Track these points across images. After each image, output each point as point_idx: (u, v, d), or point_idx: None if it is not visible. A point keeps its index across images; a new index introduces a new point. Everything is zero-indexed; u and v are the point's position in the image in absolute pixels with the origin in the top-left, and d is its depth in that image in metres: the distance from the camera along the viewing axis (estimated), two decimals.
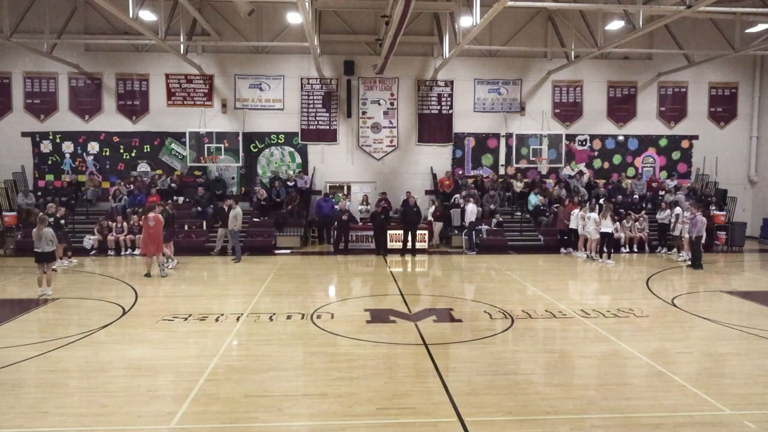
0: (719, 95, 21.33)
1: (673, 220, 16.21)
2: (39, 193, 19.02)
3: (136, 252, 16.15)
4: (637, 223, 17.67)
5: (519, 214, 19.10)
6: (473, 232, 17.03)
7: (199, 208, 18.25)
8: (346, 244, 17.33)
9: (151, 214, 12.82)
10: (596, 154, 21.17)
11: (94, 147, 19.91)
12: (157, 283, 12.29)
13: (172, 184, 19.22)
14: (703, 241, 14.57)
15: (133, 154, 20.06)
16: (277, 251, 17.22)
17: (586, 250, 16.00)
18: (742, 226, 18.80)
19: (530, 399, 6.00)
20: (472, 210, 16.88)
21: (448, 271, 14.57)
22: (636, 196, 19.24)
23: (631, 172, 21.01)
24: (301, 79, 20.23)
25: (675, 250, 16.60)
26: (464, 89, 20.66)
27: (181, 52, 18.23)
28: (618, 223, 17.07)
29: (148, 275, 12.74)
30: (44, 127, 19.76)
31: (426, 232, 17.50)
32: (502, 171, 20.94)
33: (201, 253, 16.40)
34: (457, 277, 13.78)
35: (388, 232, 17.31)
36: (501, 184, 20.09)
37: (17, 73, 19.65)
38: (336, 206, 18.09)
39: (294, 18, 18.10)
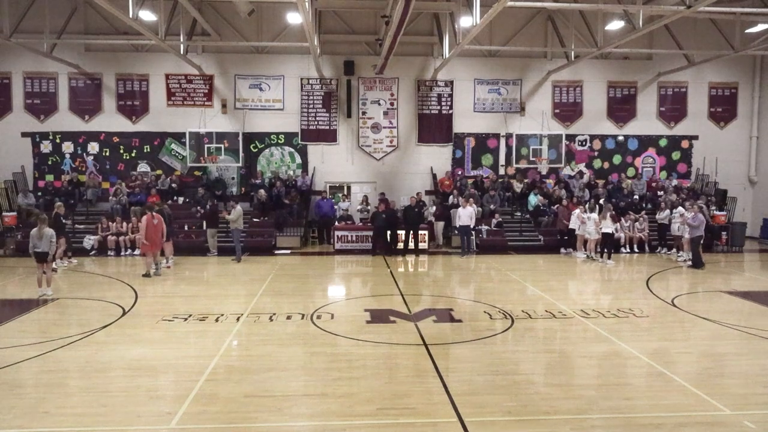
0: (719, 95, 21.33)
1: (678, 221, 15.99)
2: (39, 193, 19.01)
3: (136, 252, 16.17)
4: (637, 223, 17.67)
5: (519, 214, 19.10)
6: (468, 235, 16.59)
7: (199, 208, 18.22)
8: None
9: (155, 212, 13.20)
10: (596, 154, 21.18)
11: (94, 147, 19.91)
12: (157, 283, 12.30)
13: (173, 184, 19.22)
14: (701, 240, 14.55)
15: (133, 154, 20.06)
16: (277, 251, 17.22)
17: (585, 250, 16.01)
18: (742, 226, 18.80)
19: (530, 399, 6.00)
20: (464, 213, 16.43)
21: (448, 272, 14.56)
22: (636, 196, 19.24)
23: (631, 172, 21.02)
24: (301, 79, 20.23)
25: (675, 250, 16.59)
26: (464, 89, 20.66)
27: (181, 52, 18.22)
28: (618, 223, 17.08)
29: (147, 275, 12.75)
30: (44, 127, 19.76)
31: (426, 232, 17.48)
32: (502, 171, 20.93)
33: (201, 253, 16.39)
34: (457, 278, 13.78)
35: (389, 232, 17.32)
36: (501, 185, 20.09)
37: (17, 73, 19.65)
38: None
39: (294, 18, 18.10)
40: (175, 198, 18.87)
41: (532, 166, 20.85)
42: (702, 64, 19.75)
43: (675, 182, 20.17)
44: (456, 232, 17.57)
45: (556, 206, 18.15)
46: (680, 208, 16.07)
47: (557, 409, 5.74)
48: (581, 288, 12.58)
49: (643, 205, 19.04)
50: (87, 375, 6.70)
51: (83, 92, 19.82)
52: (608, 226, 15.39)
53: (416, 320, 9.20)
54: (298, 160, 20.52)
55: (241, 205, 16.30)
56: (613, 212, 15.90)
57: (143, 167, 20.06)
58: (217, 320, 9.17)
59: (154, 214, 13.12)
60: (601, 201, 17.72)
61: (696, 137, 21.28)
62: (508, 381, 6.51)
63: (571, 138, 20.95)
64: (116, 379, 6.57)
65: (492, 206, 18.79)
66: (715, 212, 18.07)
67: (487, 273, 14.19)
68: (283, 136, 20.39)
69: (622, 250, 17.25)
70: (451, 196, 18.75)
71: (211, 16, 19.36)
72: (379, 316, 9.45)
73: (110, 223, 16.81)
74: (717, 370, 7.05)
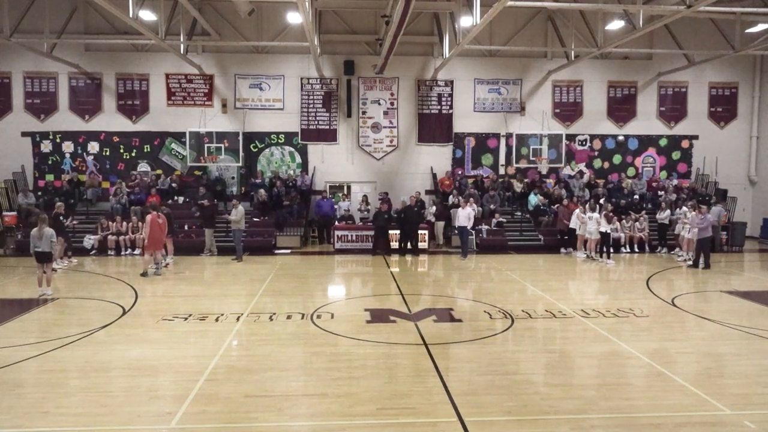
0: (719, 95, 21.33)
1: (683, 220, 15.93)
2: (39, 193, 19.01)
3: (137, 252, 16.18)
4: (637, 223, 17.67)
5: (519, 214, 19.10)
6: (465, 236, 16.35)
7: (197, 207, 18.17)
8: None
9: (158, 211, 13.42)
10: (596, 154, 21.17)
11: (94, 147, 19.91)
12: (157, 283, 12.30)
13: (173, 184, 19.21)
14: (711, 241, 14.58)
15: (133, 154, 20.06)
16: (277, 251, 17.22)
17: (585, 250, 16.01)
18: (742, 226, 18.79)
19: (530, 399, 6.00)
20: (461, 213, 16.25)
21: (448, 271, 14.56)
22: (636, 196, 19.24)
23: (631, 172, 21.02)
24: (301, 79, 20.23)
25: (676, 249, 16.58)
26: (464, 89, 20.66)
27: (181, 52, 18.22)
28: (618, 222, 17.08)
29: (145, 274, 12.77)
30: (44, 127, 19.76)
31: (426, 232, 17.46)
32: (502, 171, 20.94)
33: (200, 253, 16.38)
34: (457, 277, 13.78)
35: (390, 232, 17.32)
36: (501, 184, 20.09)
37: (17, 73, 19.64)
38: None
39: (294, 18, 18.09)
40: (175, 198, 18.86)
41: (532, 165, 20.85)
42: (702, 64, 19.75)
43: (675, 182, 20.16)
44: (456, 232, 17.56)
45: (556, 206, 18.15)
46: (684, 209, 16.05)
47: (557, 409, 5.74)
48: (581, 288, 12.59)
49: (644, 204, 19.04)
50: (87, 375, 6.70)
51: (83, 92, 19.82)
52: (603, 226, 15.40)
53: (416, 320, 9.20)
54: (298, 159, 20.53)
55: (242, 205, 16.26)
56: (609, 212, 15.91)
57: (143, 167, 20.06)
58: (217, 320, 9.17)
59: (159, 213, 13.22)
60: (601, 201, 17.72)
61: (696, 137, 21.28)
62: (507, 381, 6.51)
63: (571, 138, 20.94)
64: (116, 379, 6.57)
65: (492, 206, 18.79)
66: None
67: (487, 273, 14.18)
68: (283, 135, 20.39)
69: (622, 250, 17.25)
70: (451, 196, 18.75)
71: (211, 15, 19.36)
72: (379, 316, 9.45)
73: (110, 222, 16.81)
74: (717, 370, 7.05)
